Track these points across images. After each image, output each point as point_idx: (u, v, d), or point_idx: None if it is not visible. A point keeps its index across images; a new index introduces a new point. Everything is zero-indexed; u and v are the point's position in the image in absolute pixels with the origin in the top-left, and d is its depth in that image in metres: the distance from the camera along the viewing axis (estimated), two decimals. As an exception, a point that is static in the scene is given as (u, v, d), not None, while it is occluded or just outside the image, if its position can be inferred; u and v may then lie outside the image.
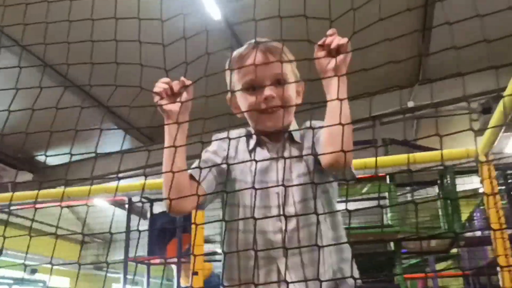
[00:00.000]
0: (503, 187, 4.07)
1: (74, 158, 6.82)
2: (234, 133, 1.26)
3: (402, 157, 2.61)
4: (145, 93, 1.13)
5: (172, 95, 1.14)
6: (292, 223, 1.14)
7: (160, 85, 1.14)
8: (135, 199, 5.82)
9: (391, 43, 0.91)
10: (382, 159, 2.64)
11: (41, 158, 7.89)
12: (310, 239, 1.12)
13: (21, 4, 1.08)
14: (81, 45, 1.13)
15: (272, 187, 1.15)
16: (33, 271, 9.58)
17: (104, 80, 1.12)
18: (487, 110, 5.45)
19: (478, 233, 4.44)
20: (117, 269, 8.17)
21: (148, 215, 5.32)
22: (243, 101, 1.24)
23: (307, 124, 1.19)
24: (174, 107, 1.12)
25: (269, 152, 1.23)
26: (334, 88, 0.98)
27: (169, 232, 4.92)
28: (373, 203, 4.60)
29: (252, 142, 1.25)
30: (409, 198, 5.65)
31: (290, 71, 1.23)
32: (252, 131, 1.27)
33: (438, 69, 5.78)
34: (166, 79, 1.14)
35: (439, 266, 6.78)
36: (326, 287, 1.11)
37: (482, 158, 2.26)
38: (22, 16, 1.08)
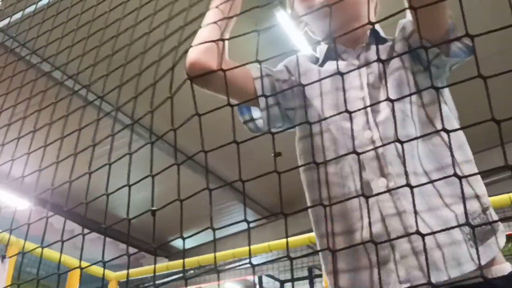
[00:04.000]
0: None
1: (205, 240, 6.98)
2: (302, 55, 1.07)
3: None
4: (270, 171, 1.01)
5: None
6: (384, 114, 0.87)
7: None
8: (265, 279, 5.65)
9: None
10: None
11: (174, 243, 8.23)
12: (410, 150, 0.83)
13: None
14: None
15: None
16: None
17: (229, 158, 1.03)
18: None
19: None
20: None
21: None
22: (303, 11, 1.01)
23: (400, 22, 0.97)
24: None
25: (345, 61, 0.98)
26: None
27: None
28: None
29: (321, 56, 1.01)
30: None
31: None
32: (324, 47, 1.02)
33: None
34: None
35: None
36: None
37: None
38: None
